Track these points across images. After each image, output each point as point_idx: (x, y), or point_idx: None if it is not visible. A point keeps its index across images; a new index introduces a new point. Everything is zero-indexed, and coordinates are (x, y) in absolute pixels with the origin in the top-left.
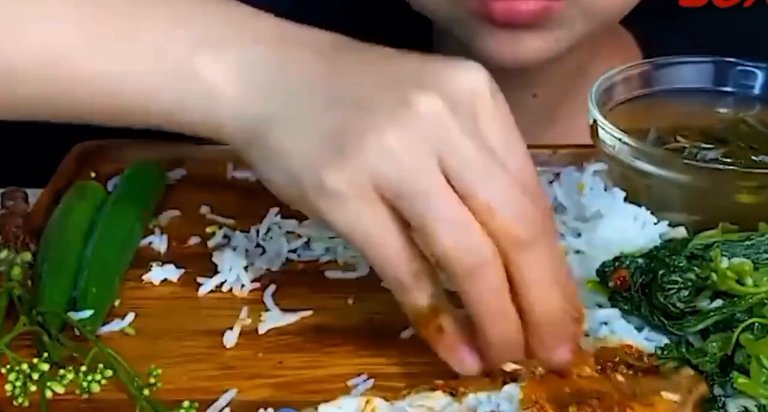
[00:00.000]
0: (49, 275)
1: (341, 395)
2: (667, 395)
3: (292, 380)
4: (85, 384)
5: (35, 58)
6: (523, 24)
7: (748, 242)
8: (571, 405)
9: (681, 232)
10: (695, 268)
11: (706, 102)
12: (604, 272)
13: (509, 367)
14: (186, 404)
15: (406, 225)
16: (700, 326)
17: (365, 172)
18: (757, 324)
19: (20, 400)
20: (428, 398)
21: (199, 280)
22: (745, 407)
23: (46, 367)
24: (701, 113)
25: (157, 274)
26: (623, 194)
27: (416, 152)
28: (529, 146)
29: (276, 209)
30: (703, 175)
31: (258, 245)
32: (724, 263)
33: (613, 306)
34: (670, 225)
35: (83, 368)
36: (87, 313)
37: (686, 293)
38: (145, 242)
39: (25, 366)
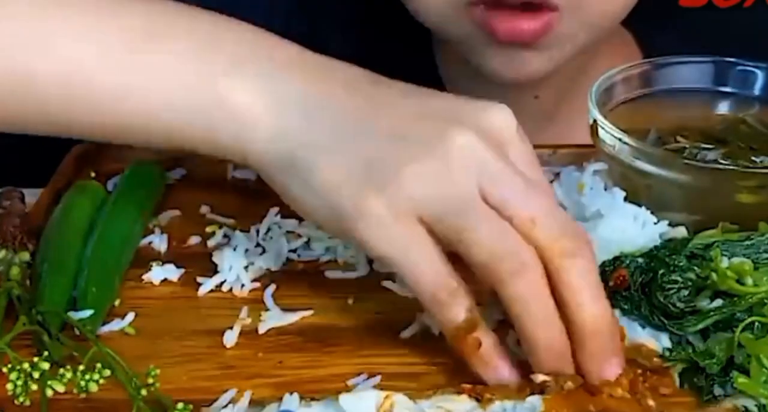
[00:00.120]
0: (49, 274)
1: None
2: None
3: (292, 380)
4: (83, 383)
5: (58, 75)
6: (527, 42)
7: (748, 242)
8: None
9: (681, 232)
10: (695, 268)
11: (706, 102)
12: (604, 272)
13: (539, 378)
14: (180, 406)
15: (442, 247)
16: (700, 326)
17: (404, 197)
18: (757, 324)
19: (21, 399)
20: (452, 401)
21: (199, 280)
22: (745, 407)
23: (46, 366)
24: (701, 113)
25: (157, 274)
26: (623, 194)
27: (455, 178)
28: None
29: (276, 209)
30: (703, 175)
31: (258, 245)
32: (724, 262)
33: (613, 306)
34: (670, 225)
35: (81, 368)
36: (87, 313)
37: (686, 292)
38: (145, 241)
39: (26, 365)
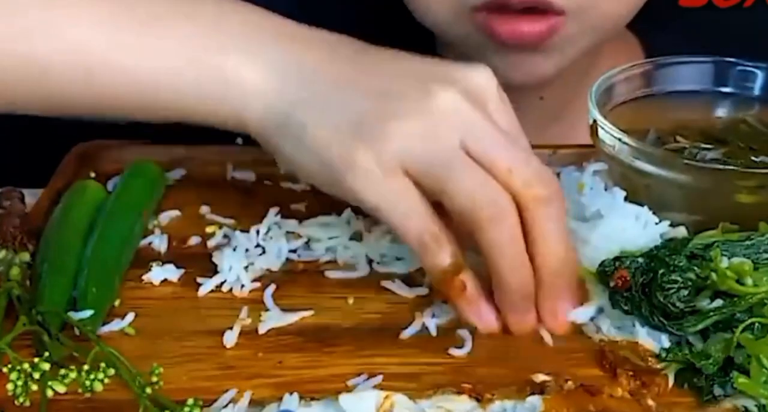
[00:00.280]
0: (49, 274)
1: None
2: None
3: (292, 380)
4: (87, 383)
5: (67, 58)
6: (531, 46)
7: (748, 242)
8: None
9: (681, 232)
10: (695, 268)
11: (706, 102)
12: (604, 272)
13: (539, 378)
14: (190, 401)
15: (427, 197)
16: (700, 326)
17: (392, 151)
18: (757, 324)
19: (21, 399)
20: (452, 401)
21: (199, 280)
22: (745, 408)
23: (47, 366)
24: (701, 113)
25: (157, 274)
26: (623, 194)
27: (439, 134)
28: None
29: (276, 209)
30: (703, 175)
31: (258, 245)
32: (724, 262)
33: (613, 306)
34: (670, 225)
35: (85, 367)
36: (87, 313)
37: (686, 292)
38: (145, 242)
39: (26, 365)
